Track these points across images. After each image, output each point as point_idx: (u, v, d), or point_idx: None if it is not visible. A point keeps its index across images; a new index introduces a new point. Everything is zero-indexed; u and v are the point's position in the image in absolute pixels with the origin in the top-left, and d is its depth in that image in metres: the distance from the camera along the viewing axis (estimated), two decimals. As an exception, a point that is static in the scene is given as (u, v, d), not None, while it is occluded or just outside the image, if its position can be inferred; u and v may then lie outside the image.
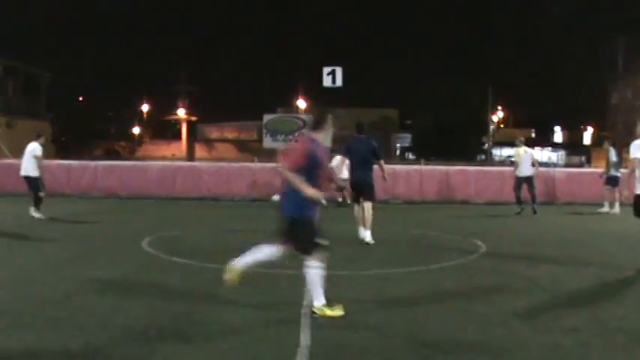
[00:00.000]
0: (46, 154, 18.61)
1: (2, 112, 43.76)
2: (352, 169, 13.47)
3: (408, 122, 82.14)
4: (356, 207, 13.22)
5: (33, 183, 17.20)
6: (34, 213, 16.80)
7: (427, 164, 28.18)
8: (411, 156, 78.79)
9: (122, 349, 6.00)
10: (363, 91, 69.55)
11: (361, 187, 13.08)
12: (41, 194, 17.14)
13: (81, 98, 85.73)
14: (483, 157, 75.68)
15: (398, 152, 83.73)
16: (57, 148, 53.30)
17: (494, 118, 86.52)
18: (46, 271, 9.78)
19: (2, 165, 25.74)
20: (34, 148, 17.49)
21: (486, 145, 77.74)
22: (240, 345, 6.17)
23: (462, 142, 70.75)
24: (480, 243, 12.81)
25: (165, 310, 7.40)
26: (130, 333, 6.48)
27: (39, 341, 6.23)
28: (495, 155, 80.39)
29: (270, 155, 27.13)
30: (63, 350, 5.94)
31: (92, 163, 25.36)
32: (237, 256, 7.67)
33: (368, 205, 12.83)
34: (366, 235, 12.69)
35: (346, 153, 13.51)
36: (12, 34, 42.19)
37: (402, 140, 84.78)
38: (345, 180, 15.71)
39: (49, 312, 7.28)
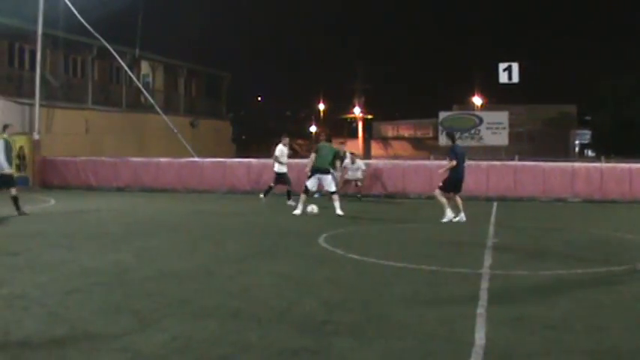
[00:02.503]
0: (227, 152, 19.69)
1: (186, 113, 45.74)
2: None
3: (588, 118, 79.18)
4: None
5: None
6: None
7: (608, 161, 27.11)
8: (590, 153, 75.95)
9: (298, 342, 6.12)
10: (541, 87, 67.50)
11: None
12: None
13: (260, 98, 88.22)
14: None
15: (577, 149, 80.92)
16: (237, 146, 55.06)
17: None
18: (226, 264, 10.16)
19: (186, 163, 26.86)
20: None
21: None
22: (414, 342, 6.16)
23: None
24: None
25: (342, 306, 7.49)
26: (306, 327, 6.60)
27: (220, 330, 6.47)
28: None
29: (446, 152, 26.91)
30: (241, 340, 6.14)
31: (271, 161, 26.04)
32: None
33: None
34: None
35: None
36: (195, 37, 43.94)
37: (581, 137, 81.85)
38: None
39: (230, 303, 7.55)
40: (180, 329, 6.48)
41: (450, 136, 17.20)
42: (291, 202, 19.41)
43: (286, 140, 20.74)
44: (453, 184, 15.83)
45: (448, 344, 6.11)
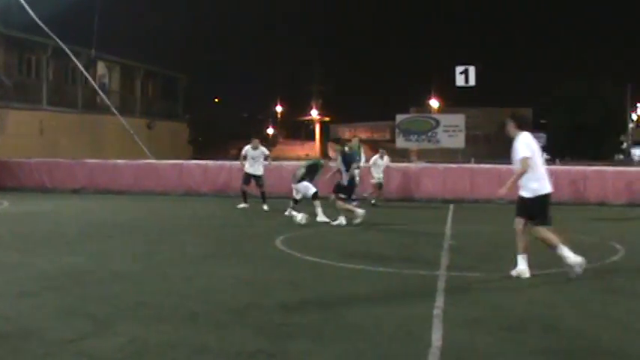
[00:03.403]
0: (184, 154, 19.39)
1: (143, 114, 45.44)
2: None
3: (543, 121, 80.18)
4: None
5: None
6: None
7: (562, 164, 27.44)
8: (545, 156, 76.88)
9: (255, 344, 6.11)
10: (497, 90, 68.17)
11: None
12: None
13: (217, 100, 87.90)
14: (621, 156, 73.09)
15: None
16: (194, 148, 54.83)
17: (634, 117, 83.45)
18: (183, 266, 10.10)
19: (142, 165, 26.69)
20: None
21: (625, 145, 75.04)
22: (372, 344, 6.18)
23: (599, 141, 68.59)
24: (618, 246, 12.37)
25: (299, 308, 7.49)
26: (263, 329, 6.59)
27: (176, 333, 6.44)
28: (635, 155, 77.47)
29: (402, 155, 27.04)
30: (199, 343, 6.12)
31: (228, 163, 25.94)
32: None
33: None
34: None
35: None
36: (151, 38, 43.65)
37: (537, 140, 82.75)
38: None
39: (186, 306, 7.51)
40: (137, 332, 6.42)
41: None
42: (266, 208, 18.86)
43: (256, 142, 19.81)
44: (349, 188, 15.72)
45: (405, 346, 6.14)
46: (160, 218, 17.24)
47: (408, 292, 8.39)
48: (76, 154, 29.93)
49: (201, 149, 60.84)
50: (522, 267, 9.11)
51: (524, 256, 9.16)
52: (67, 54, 30.71)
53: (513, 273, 9.12)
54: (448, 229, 15.18)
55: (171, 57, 47.88)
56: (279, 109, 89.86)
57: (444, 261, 10.50)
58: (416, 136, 45.92)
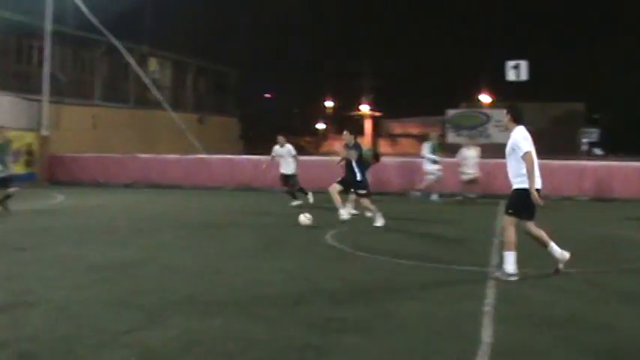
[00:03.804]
0: (235, 149, 19.30)
1: (194, 109, 45.78)
2: None
3: (596, 117, 78.92)
4: None
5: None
6: None
7: (617, 160, 26.98)
8: (598, 152, 75.71)
9: (304, 338, 6.13)
10: (549, 85, 67.17)
11: None
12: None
13: (268, 95, 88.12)
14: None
15: (585, 148, 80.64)
16: (245, 143, 55.07)
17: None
18: (234, 260, 10.17)
19: (193, 160, 26.91)
20: None
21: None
22: (421, 340, 6.16)
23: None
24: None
25: (348, 303, 7.48)
26: (313, 323, 6.61)
27: (226, 326, 6.49)
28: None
29: (453, 150, 26.75)
30: (248, 337, 6.16)
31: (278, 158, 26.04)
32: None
33: None
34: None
35: None
36: (203, 34, 43.95)
37: (589, 135, 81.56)
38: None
39: (236, 299, 7.56)
40: (187, 325, 6.49)
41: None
42: (296, 203, 18.59)
43: (281, 139, 19.26)
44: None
45: (455, 342, 6.10)
46: (210, 212, 17.38)
47: (458, 288, 8.33)
48: (128, 148, 30.30)
49: (251, 144, 61.09)
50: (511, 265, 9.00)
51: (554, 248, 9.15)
52: (119, 50, 31.07)
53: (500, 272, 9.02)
54: (498, 224, 15.04)
55: (222, 52, 48.06)
56: (329, 104, 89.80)
57: (494, 257, 10.41)
58: (467, 131, 45.61)
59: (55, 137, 28.81)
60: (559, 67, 69.81)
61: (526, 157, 8.89)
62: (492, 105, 64.84)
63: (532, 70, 31.22)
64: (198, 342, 6.00)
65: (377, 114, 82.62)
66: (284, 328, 6.44)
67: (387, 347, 5.95)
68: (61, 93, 32.17)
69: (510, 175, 9.19)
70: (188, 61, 47.38)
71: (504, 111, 9.68)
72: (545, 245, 9.14)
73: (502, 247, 9.18)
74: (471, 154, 21.05)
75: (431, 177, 20.99)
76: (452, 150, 29.17)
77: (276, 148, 19.23)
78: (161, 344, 5.92)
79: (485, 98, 69.10)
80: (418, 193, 21.17)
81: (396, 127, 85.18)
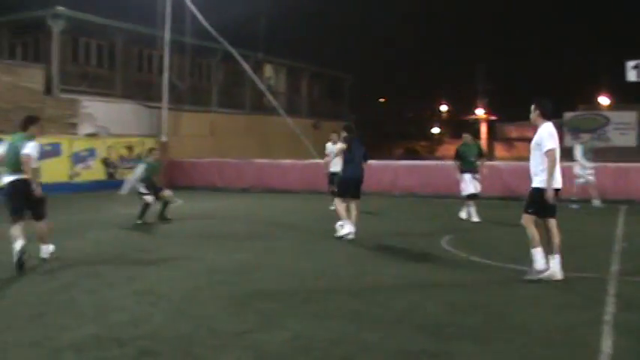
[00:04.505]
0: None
1: (309, 115, 46.18)
2: None
3: None
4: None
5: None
6: None
7: None
8: None
9: (418, 344, 6.09)
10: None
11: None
12: None
13: (382, 100, 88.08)
14: None
15: None
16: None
17: None
18: (349, 265, 10.20)
19: (309, 165, 27.11)
20: None
21: None
22: (537, 348, 6.02)
23: None
24: None
25: (464, 309, 7.41)
26: (427, 329, 6.56)
27: (341, 330, 6.51)
28: None
29: (569, 153, 25.98)
30: (363, 341, 6.17)
31: (393, 163, 26.00)
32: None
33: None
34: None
35: None
36: (317, 40, 44.32)
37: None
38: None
39: (351, 304, 7.59)
40: (302, 328, 6.55)
41: None
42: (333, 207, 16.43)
43: (334, 136, 18.26)
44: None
45: (573, 351, 5.94)
46: (326, 217, 17.43)
47: (577, 296, 8.11)
48: (245, 154, 30.85)
49: (367, 149, 61.05)
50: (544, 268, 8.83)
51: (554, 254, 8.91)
52: (235, 58, 31.64)
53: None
54: (620, 230, 14.58)
55: (337, 58, 48.38)
56: (444, 108, 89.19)
57: (615, 264, 10.09)
58: (585, 135, 44.39)
59: (174, 143, 29.60)
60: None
61: (549, 154, 8.72)
62: (611, 107, 62.84)
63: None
64: (313, 345, 6.05)
65: (492, 117, 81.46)
66: (398, 333, 6.43)
67: (502, 355, 5.85)
68: (179, 100, 33.07)
69: (531, 171, 9.03)
70: (302, 67, 47.83)
71: (532, 106, 9.35)
72: (549, 252, 8.88)
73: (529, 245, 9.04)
74: (580, 152, 20.12)
75: (580, 180, 20.05)
76: (567, 154, 28.38)
77: (328, 145, 18.73)
78: (276, 347, 6.00)
79: (604, 100, 67.06)
80: (575, 206, 19.87)
81: (512, 131, 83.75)
